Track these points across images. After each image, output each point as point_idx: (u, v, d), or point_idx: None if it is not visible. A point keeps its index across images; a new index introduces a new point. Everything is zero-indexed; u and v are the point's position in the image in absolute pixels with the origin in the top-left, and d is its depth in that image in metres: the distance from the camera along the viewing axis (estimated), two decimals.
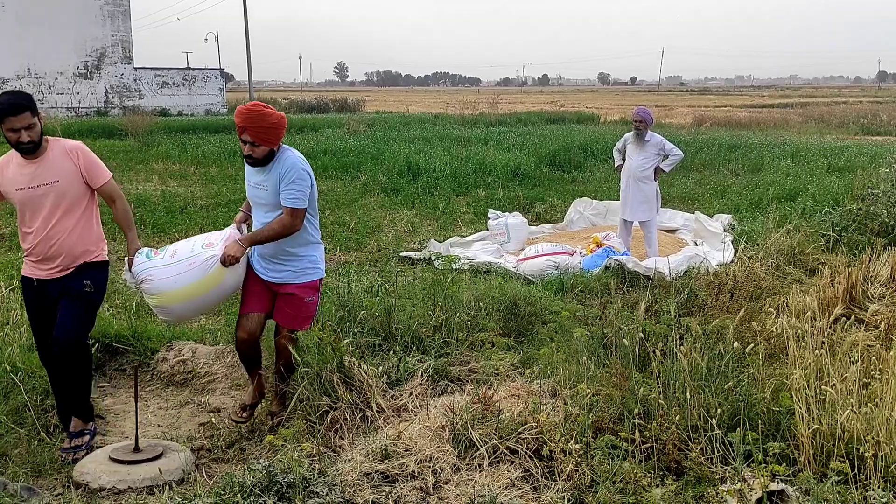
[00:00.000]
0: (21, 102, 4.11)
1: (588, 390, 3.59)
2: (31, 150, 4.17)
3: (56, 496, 3.66)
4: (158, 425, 4.85)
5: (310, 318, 4.59)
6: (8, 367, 4.90)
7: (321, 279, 4.64)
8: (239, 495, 3.10)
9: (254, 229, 4.55)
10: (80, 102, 33.56)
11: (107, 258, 4.52)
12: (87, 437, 4.42)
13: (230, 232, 4.56)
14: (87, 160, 4.33)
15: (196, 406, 5.15)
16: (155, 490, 3.78)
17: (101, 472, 3.87)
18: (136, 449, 4.06)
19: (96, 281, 4.40)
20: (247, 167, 4.52)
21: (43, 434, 4.43)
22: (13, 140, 4.12)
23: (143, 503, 3.52)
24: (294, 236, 4.43)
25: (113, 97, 34.50)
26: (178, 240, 10.35)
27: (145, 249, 4.51)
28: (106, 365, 5.60)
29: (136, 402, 4.18)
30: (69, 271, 4.33)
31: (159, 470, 3.88)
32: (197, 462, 4.18)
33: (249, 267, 4.60)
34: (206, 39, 62.21)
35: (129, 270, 4.46)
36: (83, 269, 4.36)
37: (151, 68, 36.65)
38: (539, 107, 44.71)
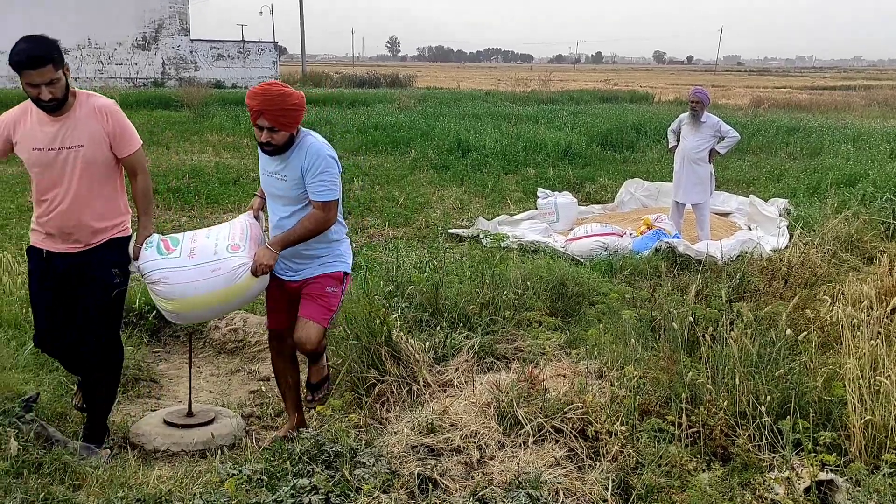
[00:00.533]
0: (40, 54, 3.44)
1: (635, 373, 3.58)
2: (53, 109, 3.57)
3: (113, 456, 3.78)
4: (210, 391, 4.98)
5: (330, 313, 3.91)
6: None
7: (346, 273, 4.02)
8: (288, 462, 3.18)
9: (270, 222, 3.99)
10: (137, 73, 34.16)
11: (130, 232, 3.93)
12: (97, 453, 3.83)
13: (247, 221, 4.02)
14: (117, 124, 3.72)
15: (246, 374, 5.27)
16: (207, 454, 3.89)
17: (155, 435, 3.99)
18: (190, 413, 4.17)
19: (123, 263, 3.85)
20: (261, 154, 3.96)
21: None
22: (33, 96, 3.53)
23: (196, 466, 3.62)
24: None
25: (169, 68, 35.04)
26: (230, 212, 10.62)
27: (155, 238, 3.86)
28: (161, 331, 5.75)
29: (189, 368, 4.29)
30: (88, 248, 3.77)
31: (212, 434, 3.99)
32: (247, 428, 4.29)
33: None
34: (261, 13, 62.83)
35: (135, 260, 3.83)
36: (105, 248, 3.80)
37: (207, 40, 37.08)
38: (592, 85, 44.10)
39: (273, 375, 4.33)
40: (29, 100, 3.64)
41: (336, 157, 3.86)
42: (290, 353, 4.12)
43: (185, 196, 10.46)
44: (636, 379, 3.55)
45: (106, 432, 3.99)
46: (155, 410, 4.47)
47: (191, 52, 35.74)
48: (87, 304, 3.78)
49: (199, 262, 3.74)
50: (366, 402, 4.04)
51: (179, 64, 35.36)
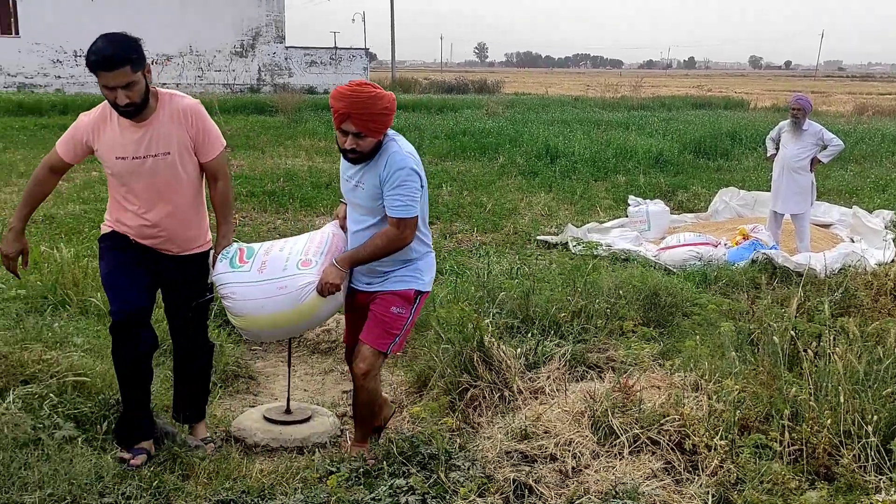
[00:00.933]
0: (116, 54, 3.17)
1: (735, 386, 3.50)
2: (130, 115, 3.32)
3: (217, 449, 3.94)
4: (305, 390, 5.11)
5: (391, 337, 3.56)
6: None
7: (419, 291, 3.62)
8: (385, 462, 3.25)
9: (349, 231, 3.70)
10: (235, 80, 35.34)
11: (212, 244, 3.80)
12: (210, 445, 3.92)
13: (331, 231, 3.80)
14: (202, 127, 3.49)
15: (339, 374, 5.39)
16: (304, 451, 4.00)
17: (256, 430, 4.13)
18: (288, 411, 4.30)
19: (207, 275, 3.74)
20: (342, 157, 3.61)
21: None
22: (109, 100, 3.29)
23: (294, 462, 3.73)
24: None
25: (265, 75, 36.11)
26: (322, 215, 10.85)
27: (233, 248, 3.67)
28: None
29: (289, 367, 4.41)
30: (178, 255, 3.66)
31: (309, 432, 4.11)
32: (342, 428, 4.39)
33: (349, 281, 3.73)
34: (353, 20, 64.19)
35: (212, 268, 3.72)
36: (193, 264, 3.70)
37: (301, 47, 38.03)
38: (684, 91, 43.18)
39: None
40: (103, 104, 3.45)
41: (419, 170, 3.46)
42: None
43: (280, 199, 10.77)
44: (736, 393, 3.47)
45: (202, 417, 4.06)
46: (253, 406, 4.62)
47: (285, 58, 36.73)
48: (172, 311, 3.77)
49: (267, 277, 3.53)
50: (458, 407, 4.07)
51: (274, 70, 36.40)
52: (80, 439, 3.39)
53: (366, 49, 41.96)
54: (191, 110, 3.47)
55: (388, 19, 46.07)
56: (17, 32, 31.83)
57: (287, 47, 36.94)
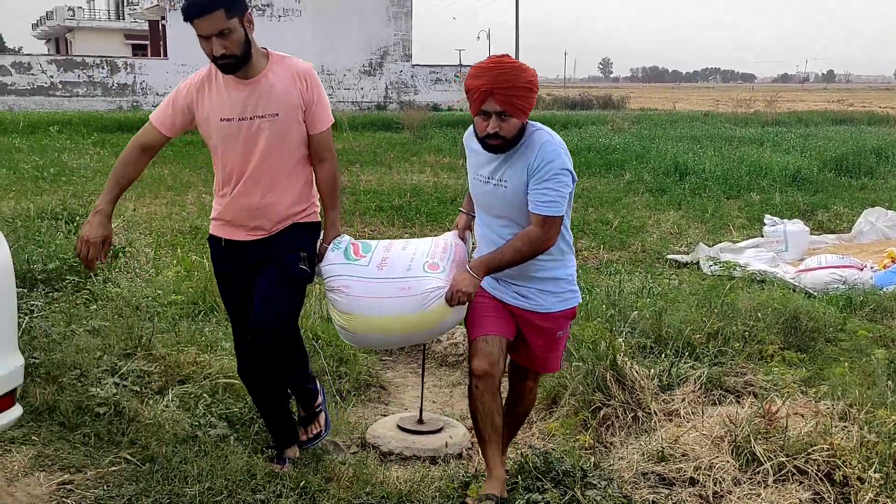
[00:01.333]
0: None
1: (893, 417, 3.31)
2: (230, 68, 3.08)
3: (353, 454, 4.08)
4: (433, 401, 5.20)
5: (559, 359, 3.52)
6: (310, 335, 5.51)
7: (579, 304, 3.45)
8: (519, 476, 3.27)
9: (477, 238, 3.39)
10: (363, 97, 36.45)
11: (319, 218, 3.47)
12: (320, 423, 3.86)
13: (452, 241, 3.49)
14: (317, 93, 3.24)
15: (466, 388, 5.45)
16: (437, 460, 4.08)
17: (390, 438, 4.25)
18: (420, 421, 4.40)
19: (310, 249, 3.37)
20: (472, 156, 3.25)
21: (337, 398, 4.89)
22: (207, 52, 3.06)
23: (427, 471, 3.80)
24: None
25: (391, 92, 37.05)
26: (449, 230, 10.90)
27: (346, 240, 3.38)
28: None
29: (422, 378, 4.52)
30: (271, 235, 3.32)
31: (442, 443, 4.19)
32: (472, 440, 4.44)
33: None
34: (478, 37, 65.10)
35: (318, 262, 3.38)
36: (290, 232, 3.33)
37: (427, 65, 38.81)
38: (823, 106, 41.11)
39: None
40: (206, 68, 3.22)
41: (571, 167, 3.11)
42: (499, 387, 3.32)
43: (407, 214, 11.01)
44: (892, 423, 3.29)
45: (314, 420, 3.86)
46: (385, 415, 4.74)
47: (411, 76, 37.58)
48: (263, 281, 3.30)
49: (388, 275, 3.21)
50: (591, 425, 4.05)
51: (401, 88, 37.29)
52: (232, 438, 3.60)
53: None
54: (306, 73, 3.24)
55: (511, 36, 46.35)
56: (165, 55, 34.13)
57: (413, 65, 37.77)
